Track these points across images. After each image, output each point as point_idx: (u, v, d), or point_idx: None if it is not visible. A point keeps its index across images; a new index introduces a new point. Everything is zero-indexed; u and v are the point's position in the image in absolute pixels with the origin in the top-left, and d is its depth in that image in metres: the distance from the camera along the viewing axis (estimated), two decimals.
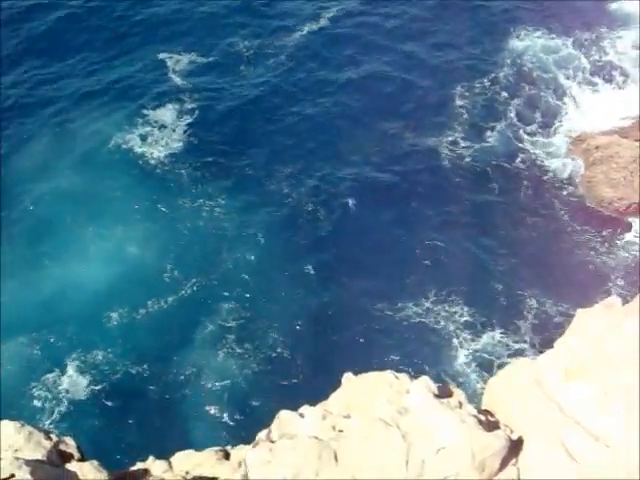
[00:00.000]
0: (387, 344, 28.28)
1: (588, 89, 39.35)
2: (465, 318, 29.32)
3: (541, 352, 26.67)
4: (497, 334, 29.00)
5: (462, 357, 28.27)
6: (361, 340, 28.47)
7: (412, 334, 28.70)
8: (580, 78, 39.91)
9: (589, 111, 38.04)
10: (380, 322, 29.11)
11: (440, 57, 41.13)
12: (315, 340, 28.50)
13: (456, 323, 29.18)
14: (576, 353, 10.41)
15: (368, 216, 33.20)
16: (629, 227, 33.01)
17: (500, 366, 27.44)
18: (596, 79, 39.91)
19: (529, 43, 41.84)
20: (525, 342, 28.70)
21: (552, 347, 26.96)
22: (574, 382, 10.13)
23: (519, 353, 28.03)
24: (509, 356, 28.14)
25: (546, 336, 28.51)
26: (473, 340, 28.75)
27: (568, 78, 39.96)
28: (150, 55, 40.39)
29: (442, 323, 29.12)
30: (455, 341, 28.64)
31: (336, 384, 12.15)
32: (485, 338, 28.85)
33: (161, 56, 40.25)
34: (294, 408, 11.18)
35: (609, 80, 39.78)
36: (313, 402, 11.50)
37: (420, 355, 28.00)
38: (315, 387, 25.92)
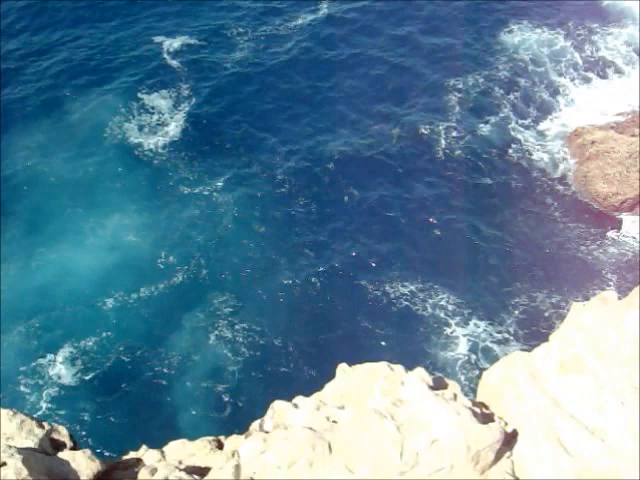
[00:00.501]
0: (377, 332, 28.36)
1: (583, 84, 39.43)
2: (453, 307, 29.45)
3: (527, 344, 26.95)
4: (483, 324, 29.10)
5: (449, 346, 28.35)
6: (353, 329, 28.55)
7: (401, 322, 28.85)
8: (575, 73, 40.02)
9: (584, 106, 38.12)
10: (371, 309, 29.20)
11: (434, 49, 41.20)
12: (306, 329, 28.63)
13: (444, 311, 29.29)
14: (571, 346, 10.37)
15: (361, 199, 33.26)
16: (621, 223, 33.10)
17: (489, 358, 27.60)
18: (590, 74, 40.01)
19: (523, 37, 41.95)
20: (510, 333, 28.80)
21: (538, 339, 27.15)
22: (569, 375, 10.10)
23: (504, 344, 28.18)
24: (495, 347, 28.26)
25: (532, 329, 28.76)
26: (461, 328, 28.84)
27: (562, 72, 40.05)
28: (144, 36, 40.39)
29: (430, 311, 29.26)
30: (443, 330, 28.73)
31: (327, 374, 12.13)
32: (471, 327, 28.96)
33: (156, 39, 40.22)
34: (285, 398, 11.15)
35: (603, 75, 39.86)
36: (305, 392, 11.47)
37: (408, 344, 28.08)
38: (306, 377, 26.23)
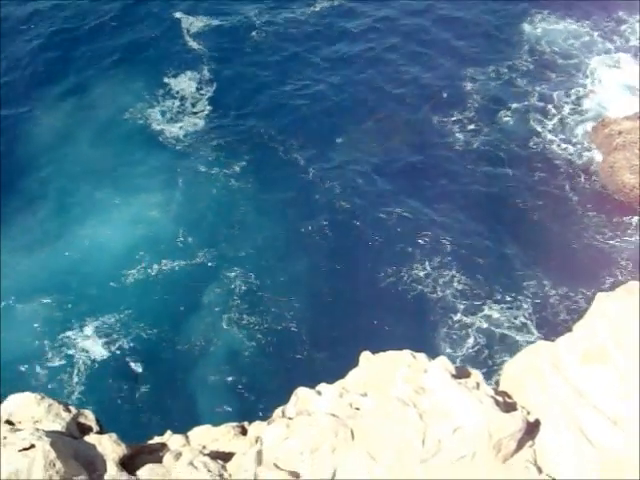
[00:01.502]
0: (393, 319, 28.41)
1: (609, 74, 38.94)
2: (466, 293, 29.44)
3: (541, 333, 26.83)
4: (498, 311, 29.06)
5: (462, 334, 28.37)
6: (369, 317, 28.58)
7: (417, 308, 28.86)
8: (601, 63, 39.51)
9: (611, 96, 37.71)
10: (388, 295, 29.27)
11: (454, 39, 40.93)
12: (323, 315, 28.65)
13: (458, 298, 29.29)
14: (595, 336, 10.36)
15: (378, 192, 33.31)
16: None
17: (504, 346, 27.60)
18: (618, 64, 39.52)
19: (547, 28, 41.50)
20: (525, 321, 28.72)
21: (554, 328, 26.98)
22: (592, 365, 10.09)
23: (518, 331, 28.16)
24: (509, 334, 28.25)
25: (544, 317, 28.63)
26: (474, 316, 28.83)
27: (589, 63, 39.56)
28: (166, 17, 40.59)
29: (443, 298, 29.24)
30: (455, 317, 28.75)
31: (344, 361, 12.19)
32: (485, 315, 28.93)
33: (177, 15, 40.43)
34: (304, 384, 11.23)
35: (631, 64, 39.36)
36: (321, 378, 11.54)
37: (423, 331, 28.12)
38: (322, 363, 26.31)
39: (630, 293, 10.75)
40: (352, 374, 11.09)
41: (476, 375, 10.50)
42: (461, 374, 10.32)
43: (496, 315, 28.96)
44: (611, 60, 39.67)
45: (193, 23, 40.41)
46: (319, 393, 10.58)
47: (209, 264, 30.00)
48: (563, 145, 35.49)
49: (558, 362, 10.23)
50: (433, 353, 11.26)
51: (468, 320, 28.73)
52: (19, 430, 9.54)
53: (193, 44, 39.48)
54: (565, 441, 9.56)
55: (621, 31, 41.31)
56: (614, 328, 10.25)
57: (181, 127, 35.24)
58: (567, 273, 30.21)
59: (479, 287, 29.69)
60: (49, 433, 9.68)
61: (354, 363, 11.48)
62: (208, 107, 36.34)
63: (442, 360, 10.24)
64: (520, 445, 9.39)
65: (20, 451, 9.13)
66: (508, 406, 9.85)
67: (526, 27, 41.54)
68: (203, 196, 32.64)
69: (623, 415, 9.48)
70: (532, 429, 9.64)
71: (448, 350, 27.51)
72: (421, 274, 30.09)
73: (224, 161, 33.98)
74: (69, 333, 27.74)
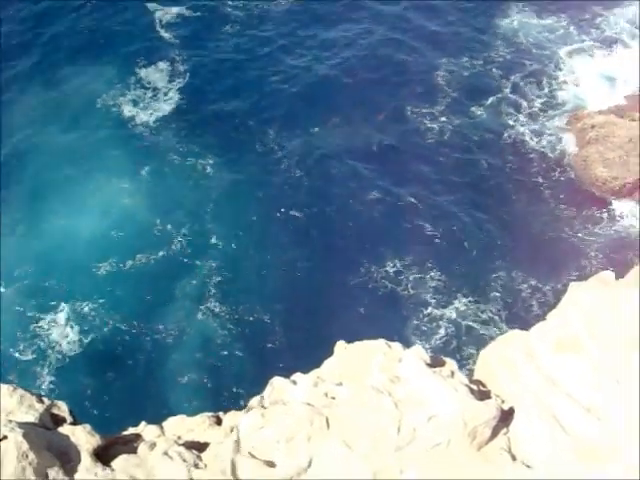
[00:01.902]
0: (364, 311, 28.52)
1: (584, 66, 39.23)
2: (436, 285, 29.57)
3: (510, 324, 27.08)
4: (467, 303, 29.24)
5: (432, 325, 28.52)
6: (343, 307, 28.67)
7: (387, 301, 29.00)
8: (576, 55, 39.79)
9: (586, 89, 38.00)
10: (360, 289, 29.35)
11: (430, 27, 41.01)
12: (295, 305, 28.75)
13: (428, 290, 29.43)
14: (568, 326, 10.43)
15: (353, 179, 33.38)
16: (615, 207, 33.13)
17: (472, 337, 27.80)
18: (592, 56, 39.81)
19: (523, 20, 41.71)
20: (494, 313, 28.94)
21: (520, 320, 27.20)
22: (565, 355, 10.17)
23: (487, 323, 28.37)
24: (478, 326, 28.45)
25: (514, 309, 28.91)
26: (444, 308, 28.99)
27: (563, 55, 39.84)
28: (138, 6, 40.31)
29: (414, 290, 29.38)
30: (426, 309, 28.89)
31: (318, 351, 12.19)
32: (455, 306, 29.09)
33: (150, 7, 40.20)
34: (279, 374, 11.22)
35: (605, 57, 39.67)
36: (298, 369, 11.53)
37: (394, 323, 28.24)
38: (295, 353, 26.34)
39: (603, 283, 10.85)
40: (327, 363, 11.10)
41: (451, 364, 10.54)
42: (436, 363, 10.36)
43: (465, 307, 29.18)
44: (585, 52, 39.97)
45: (165, 13, 40.20)
46: (294, 382, 10.57)
47: (183, 253, 29.96)
48: (536, 137, 35.75)
49: (531, 351, 10.30)
50: (404, 344, 11.29)
51: (438, 312, 28.94)
52: None
53: (165, 34, 39.33)
54: (539, 429, 9.63)
55: (596, 24, 41.60)
56: (587, 317, 10.33)
57: (152, 115, 35.18)
58: (537, 265, 30.53)
59: (449, 279, 29.93)
60: (22, 424, 9.56)
61: (329, 352, 11.50)
62: (179, 96, 36.28)
63: (417, 349, 10.28)
64: (494, 433, 9.44)
65: None
66: (482, 394, 9.91)
67: (502, 20, 41.74)
68: (176, 184, 32.61)
69: (596, 403, 9.56)
70: (506, 417, 9.70)
71: (418, 341, 27.68)
72: (392, 266, 30.23)
73: (196, 149, 33.99)
74: (41, 322, 27.61)
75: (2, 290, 28.52)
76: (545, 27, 41.48)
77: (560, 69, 39.14)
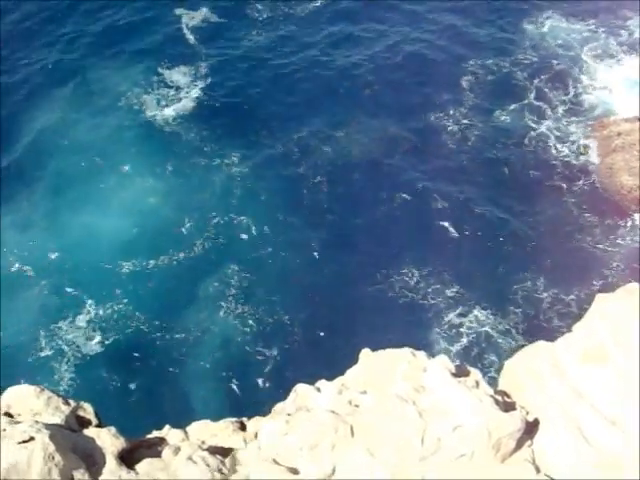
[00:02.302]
0: (383, 320, 28.38)
1: (611, 72, 38.82)
2: (457, 292, 29.40)
3: (532, 335, 26.77)
4: (487, 311, 29.03)
5: (453, 335, 28.38)
6: (364, 314, 28.56)
7: (406, 311, 28.83)
8: (606, 62, 39.37)
9: (612, 95, 37.64)
10: (379, 297, 29.24)
11: (456, 35, 40.84)
12: (319, 311, 28.66)
13: (448, 297, 29.28)
14: (594, 337, 10.38)
15: (371, 182, 33.34)
16: (638, 217, 32.74)
17: (492, 348, 27.61)
18: (620, 62, 39.38)
19: (552, 25, 41.33)
20: (513, 322, 28.70)
21: (542, 331, 26.86)
22: (591, 366, 10.11)
23: (507, 332, 28.16)
24: (498, 337, 28.25)
25: (535, 319, 28.59)
26: (464, 316, 28.81)
27: (591, 61, 39.43)
28: (166, 10, 40.58)
29: (435, 297, 29.23)
30: (446, 316, 28.74)
31: (343, 358, 12.18)
32: (475, 314, 28.91)
33: (177, 12, 40.49)
34: (301, 380, 11.24)
35: (633, 62, 39.19)
36: (322, 376, 11.53)
37: (413, 333, 28.09)
38: (319, 360, 26.26)
39: (630, 294, 10.77)
40: (351, 371, 11.10)
41: (475, 374, 10.51)
42: (460, 373, 10.34)
43: (486, 317, 28.95)
44: (613, 57, 39.49)
45: (193, 17, 40.44)
46: (318, 390, 10.59)
47: (206, 253, 30.02)
48: (561, 144, 35.46)
49: (557, 362, 10.26)
50: (427, 352, 11.26)
51: (459, 320, 28.74)
52: (18, 422, 9.53)
53: (190, 36, 39.54)
54: (563, 441, 9.59)
55: (626, 27, 41.10)
56: (614, 329, 10.27)
57: (175, 114, 35.36)
58: (560, 274, 30.21)
59: (470, 287, 29.65)
60: (48, 426, 9.66)
61: (353, 360, 11.49)
62: (202, 96, 36.47)
63: (442, 358, 10.26)
64: (519, 445, 9.41)
65: (19, 443, 9.12)
66: (507, 405, 9.88)
67: (530, 22, 41.43)
68: (199, 183, 32.71)
69: (622, 415, 9.51)
70: (531, 429, 9.67)
71: (440, 348, 27.54)
72: (415, 275, 30.07)
73: (219, 149, 34.10)
74: (61, 323, 27.72)
75: (24, 289, 28.70)
76: (574, 31, 41.07)
77: (587, 74, 38.75)
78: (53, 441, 9.28)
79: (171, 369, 26.78)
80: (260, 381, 26.26)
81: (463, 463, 9.11)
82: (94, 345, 27.25)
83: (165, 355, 27.14)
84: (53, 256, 29.66)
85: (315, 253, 30.51)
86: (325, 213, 31.91)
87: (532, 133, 35.77)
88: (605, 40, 40.39)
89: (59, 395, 10.79)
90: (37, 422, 9.58)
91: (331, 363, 12.20)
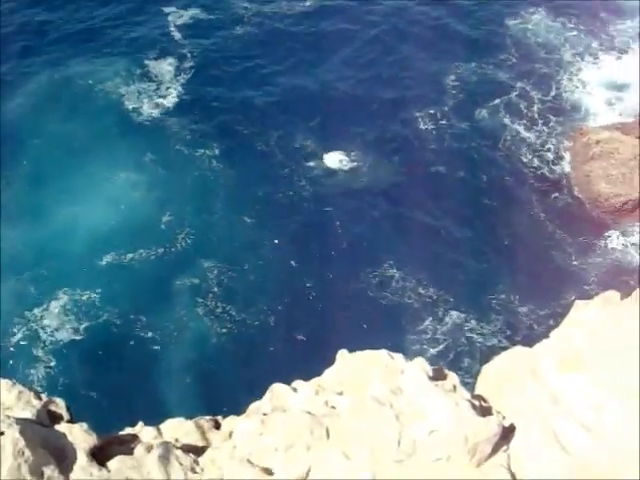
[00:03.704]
0: (363, 321, 28.41)
1: (592, 76, 38.93)
2: (434, 299, 29.50)
3: (506, 340, 26.88)
4: (465, 317, 29.12)
5: (429, 340, 28.43)
6: (343, 315, 28.61)
7: (383, 311, 28.89)
8: (585, 64, 39.51)
9: (592, 100, 37.82)
10: (360, 298, 29.26)
11: (436, 33, 40.87)
12: (298, 311, 28.66)
13: (426, 303, 29.33)
14: (572, 344, 10.40)
15: (350, 188, 33.27)
16: (617, 227, 32.93)
17: (470, 354, 27.72)
18: (603, 66, 39.48)
19: (533, 26, 41.39)
20: (490, 328, 28.82)
21: (518, 337, 26.93)
22: (568, 372, 10.12)
23: (485, 337, 28.28)
24: (476, 343, 28.35)
25: (511, 327, 28.70)
26: (441, 321, 28.89)
27: (572, 63, 39.55)
28: (154, 7, 40.34)
29: (413, 302, 29.29)
30: (424, 321, 28.80)
31: (319, 359, 12.12)
32: (453, 320, 28.99)
33: (166, 10, 40.29)
34: (277, 379, 11.16)
35: (613, 66, 39.36)
36: (298, 376, 11.46)
37: (392, 335, 28.13)
38: (296, 360, 26.22)
39: (608, 302, 10.80)
40: (328, 372, 11.02)
41: (452, 377, 10.49)
42: (438, 376, 10.30)
43: (465, 321, 29.05)
44: (594, 61, 39.65)
45: (180, 14, 40.25)
46: (295, 390, 10.51)
47: (185, 249, 29.94)
48: (537, 151, 35.63)
49: (535, 368, 10.25)
50: (405, 354, 11.22)
51: (437, 325, 28.80)
52: None
53: (176, 32, 39.32)
54: (539, 447, 9.58)
55: (608, 30, 41.28)
56: (591, 336, 10.30)
57: (158, 108, 35.28)
58: (534, 284, 30.32)
59: (450, 293, 29.73)
60: (19, 420, 9.50)
61: (330, 361, 11.42)
62: (186, 90, 36.58)
63: (419, 361, 10.21)
64: (495, 450, 9.38)
65: None
66: (484, 410, 9.85)
67: (512, 24, 41.50)
68: (180, 178, 32.56)
69: (597, 422, 9.52)
70: (507, 434, 9.64)
71: (419, 351, 27.58)
72: (394, 280, 30.09)
73: (201, 145, 34.12)
74: (36, 311, 27.51)
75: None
76: (555, 32, 41.14)
77: (568, 77, 38.87)
78: (23, 436, 9.12)
79: (145, 364, 26.62)
80: (236, 379, 26.15)
81: (439, 467, 9.07)
82: (66, 336, 27.08)
83: (140, 350, 26.98)
84: (30, 247, 29.38)
85: (295, 252, 30.49)
86: (303, 216, 31.88)
87: (508, 137, 35.90)
88: (587, 40, 40.60)
89: (30, 389, 10.62)
90: (8, 417, 9.41)
91: (308, 363, 12.14)
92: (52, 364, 26.41)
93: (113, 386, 25.99)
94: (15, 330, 27.03)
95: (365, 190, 33.26)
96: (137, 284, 28.69)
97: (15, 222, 30.21)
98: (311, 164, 34.00)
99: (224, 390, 25.86)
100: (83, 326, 27.45)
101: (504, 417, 9.85)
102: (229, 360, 27.03)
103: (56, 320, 27.50)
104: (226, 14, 40.64)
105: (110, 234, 30.04)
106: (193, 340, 27.48)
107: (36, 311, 27.67)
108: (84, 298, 28.08)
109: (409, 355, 25.47)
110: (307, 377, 11.49)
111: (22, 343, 26.93)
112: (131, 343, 27.28)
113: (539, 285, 30.41)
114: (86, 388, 25.64)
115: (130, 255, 29.46)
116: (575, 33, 41.07)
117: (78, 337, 27.20)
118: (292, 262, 30.15)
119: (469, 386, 11.64)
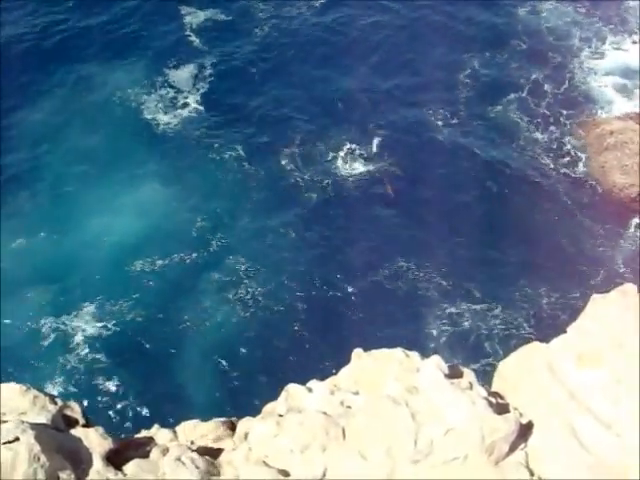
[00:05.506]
0: (382, 317, 28.26)
1: (606, 65, 38.43)
2: (455, 292, 29.25)
3: (531, 335, 26.63)
4: (481, 311, 28.90)
5: (452, 333, 28.28)
6: (360, 313, 28.45)
7: (400, 308, 28.70)
8: (599, 52, 38.98)
9: (606, 90, 37.41)
10: (380, 294, 29.12)
11: (448, 24, 40.48)
12: (314, 311, 28.52)
13: (447, 297, 29.12)
14: (590, 339, 10.27)
15: (365, 186, 33.15)
16: (634, 216, 32.60)
17: (494, 347, 27.54)
18: (618, 54, 38.93)
19: (547, 14, 40.79)
20: (514, 321, 28.59)
21: (542, 331, 26.64)
22: (586, 368, 10.00)
23: (502, 333, 28.05)
24: (500, 336, 28.15)
25: (537, 320, 28.45)
26: (462, 315, 28.68)
27: (586, 53, 39.01)
28: (171, 10, 40.30)
29: (435, 300, 29.07)
30: (444, 315, 28.62)
31: (337, 357, 12.03)
32: (470, 314, 28.78)
33: (181, 11, 40.22)
34: (294, 379, 11.10)
35: (630, 55, 38.79)
36: (314, 375, 11.39)
37: (414, 331, 27.96)
38: (312, 359, 26.16)
39: (625, 295, 10.66)
40: (343, 371, 10.94)
41: (469, 375, 10.39)
42: (454, 374, 10.20)
43: (484, 315, 28.85)
44: (610, 46, 39.08)
45: (197, 17, 40.17)
46: (310, 390, 10.44)
47: (212, 255, 29.88)
48: (553, 142, 35.29)
49: (552, 364, 10.13)
50: (421, 352, 11.13)
51: (457, 319, 28.62)
52: (4, 422, 9.35)
53: (194, 37, 39.22)
54: (557, 444, 9.47)
55: (624, 20, 40.63)
56: (609, 330, 10.17)
57: (179, 115, 35.13)
58: (557, 276, 30.06)
59: (469, 286, 29.48)
60: (34, 426, 9.49)
61: (345, 360, 11.34)
62: (206, 98, 36.17)
63: (435, 359, 10.11)
64: (512, 447, 9.29)
65: (4, 444, 8.95)
66: (501, 407, 9.75)
67: (524, 10, 40.99)
68: (205, 184, 32.53)
69: (617, 419, 9.40)
70: (524, 431, 9.54)
71: (434, 347, 27.44)
72: (413, 274, 29.94)
73: (225, 151, 33.91)
74: (64, 318, 27.61)
75: (28, 286, 28.52)
76: (571, 21, 40.51)
77: (582, 67, 38.32)
78: (38, 441, 9.11)
79: (168, 367, 26.68)
80: (251, 380, 26.13)
81: (456, 466, 8.98)
82: (93, 343, 27.16)
83: (163, 357, 27.03)
84: (59, 257, 29.46)
85: (311, 254, 30.38)
86: (325, 211, 31.86)
87: (524, 130, 35.57)
88: (600, 26, 39.95)
89: (46, 394, 10.62)
90: (22, 422, 9.40)
91: (323, 362, 12.07)
92: (74, 370, 26.51)
93: (141, 389, 26.04)
94: (40, 339, 27.15)
95: (379, 186, 33.10)
96: (164, 291, 28.64)
97: (41, 233, 30.25)
98: (333, 165, 33.93)
99: (242, 390, 25.81)
100: (108, 333, 27.53)
101: (521, 414, 9.75)
102: (248, 361, 26.91)
103: (88, 326, 27.65)
104: (242, 15, 40.47)
105: (134, 242, 29.96)
106: (213, 342, 27.46)
107: (66, 318, 27.75)
108: (115, 304, 28.12)
109: (425, 351, 25.44)
110: (323, 376, 11.41)
111: (44, 352, 27.02)
112: (149, 346, 27.34)
113: (560, 274, 30.13)
114: (114, 393, 25.77)
115: (154, 263, 29.41)
116: (588, 19, 40.39)
117: (109, 341, 27.29)
118: (309, 262, 30.08)
119: (487, 382, 11.51)
